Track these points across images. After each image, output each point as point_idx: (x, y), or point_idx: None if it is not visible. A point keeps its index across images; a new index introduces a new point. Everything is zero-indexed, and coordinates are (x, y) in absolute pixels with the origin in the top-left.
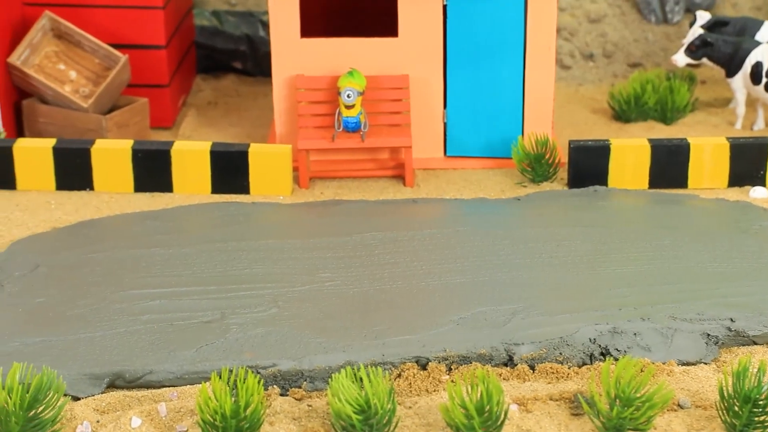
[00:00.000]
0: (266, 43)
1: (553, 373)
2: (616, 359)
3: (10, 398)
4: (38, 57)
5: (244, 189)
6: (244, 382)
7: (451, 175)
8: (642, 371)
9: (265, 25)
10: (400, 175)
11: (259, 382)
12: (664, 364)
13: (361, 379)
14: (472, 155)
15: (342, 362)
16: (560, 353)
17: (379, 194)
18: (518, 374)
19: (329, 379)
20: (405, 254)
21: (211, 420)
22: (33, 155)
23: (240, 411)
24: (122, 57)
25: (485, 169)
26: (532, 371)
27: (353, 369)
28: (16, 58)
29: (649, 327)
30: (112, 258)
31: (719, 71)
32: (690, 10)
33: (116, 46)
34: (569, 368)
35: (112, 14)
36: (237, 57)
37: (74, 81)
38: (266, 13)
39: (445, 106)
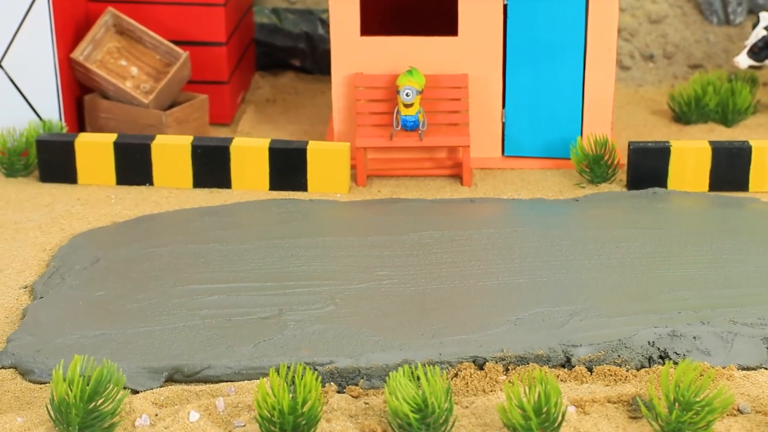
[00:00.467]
0: (325, 41)
1: (611, 375)
2: (675, 363)
3: (71, 390)
4: (101, 53)
5: (301, 186)
6: (302, 379)
7: (508, 175)
8: (702, 375)
9: (325, 23)
10: (457, 174)
11: (316, 379)
12: (723, 368)
13: (418, 377)
14: (530, 155)
15: (399, 360)
16: (618, 355)
17: (437, 193)
18: (576, 376)
19: (386, 377)
20: (462, 253)
21: (269, 416)
22: (94, 150)
23: (297, 407)
24: (183, 54)
25: (543, 170)
26: (589, 373)
27: (411, 368)
28: (79, 54)
29: (709, 331)
30: (171, 253)
31: None
32: (753, 12)
33: (177, 43)
34: (627, 371)
35: (173, 11)
36: (296, 54)
37: (135, 77)
38: (325, 11)
39: (503, 106)
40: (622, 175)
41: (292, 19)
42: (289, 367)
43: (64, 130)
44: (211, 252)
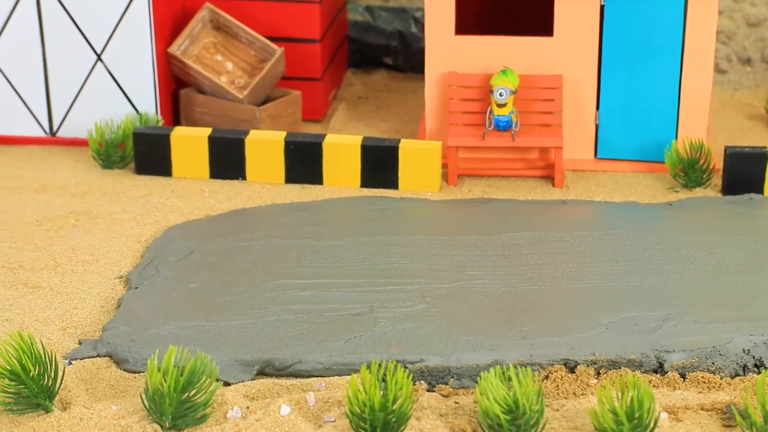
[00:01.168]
0: (418, 39)
1: (704, 382)
2: None
3: (165, 381)
4: (197, 48)
5: (392, 184)
6: (393, 376)
7: (600, 177)
8: None
9: (418, 22)
10: (549, 175)
11: (407, 376)
12: None
13: (509, 378)
14: (623, 158)
15: (489, 361)
16: (712, 363)
17: (528, 194)
18: (668, 382)
19: (476, 377)
20: (554, 255)
21: (359, 412)
22: (189, 144)
23: (388, 404)
24: (278, 50)
25: (636, 173)
26: (682, 379)
27: (502, 368)
28: (176, 49)
29: None
30: (263, 247)
31: None
32: None
33: (272, 39)
34: (721, 378)
35: (269, 7)
36: (388, 52)
37: (230, 72)
38: (419, 9)
39: (597, 107)
40: (717, 180)
41: (386, 17)
42: (380, 364)
43: (160, 124)
44: (303, 247)
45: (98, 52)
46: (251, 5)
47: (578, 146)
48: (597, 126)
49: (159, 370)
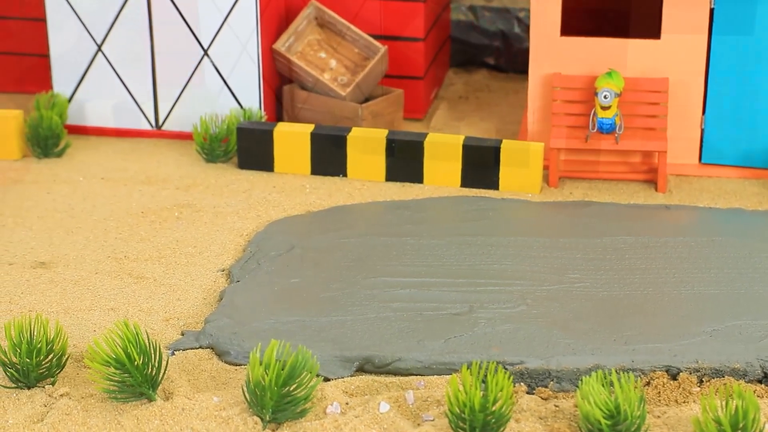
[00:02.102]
0: (521, 39)
1: None
2: None
3: (267, 374)
4: (302, 44)
5: (493, 184)
6: (494, 377)
7: (705, 183)
8: None
9: (521, 22)
10: (651, 179)
11: (508, 378)
12: None
13: (611, 383)
14: (728, 164)
15: (590, 365)
16: None
17: (630, 198)
18: None
19: (577, 381)
20: (656, 260)
21: (459, 412)
22: (292, 140)
23: (488, 405)
24: (381, 48)
25: (742, 179)
26: None
27: (604, 373)
28: (281, 45)
29: None
30: (364, 244)
31: None
32: None
33: (376, 37)
34: None
35: (374, 5)
36: (490, 52)
37: (334, 69)
38: (523, 9)
39: (704, 112)
40: None
41: (489, 17)
42: (480, 365)
43: (264, 119)
44: (403, 245)
45: (205, 47)
46: (356, 3)
47: (683, 151)
48: (702, 130)
49: (261, 364)
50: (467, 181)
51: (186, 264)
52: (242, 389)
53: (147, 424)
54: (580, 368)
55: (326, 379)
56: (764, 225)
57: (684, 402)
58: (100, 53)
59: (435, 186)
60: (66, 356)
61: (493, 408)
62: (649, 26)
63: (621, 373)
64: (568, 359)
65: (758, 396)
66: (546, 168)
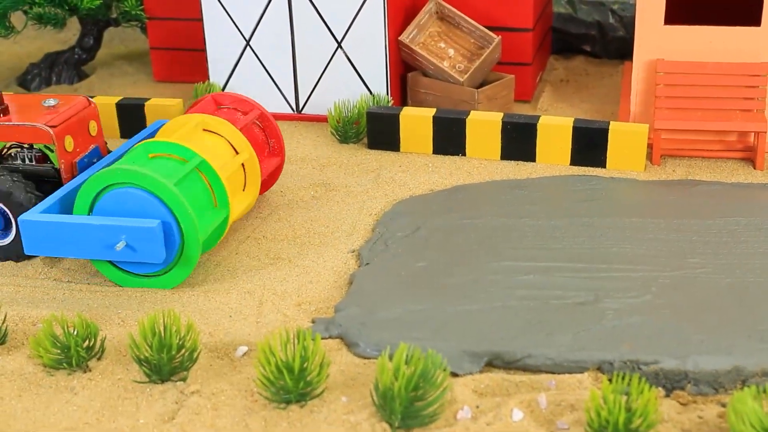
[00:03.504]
0: (615, 29)
1: None
2: None
3: (396, 380)
4: (423, 36)
5: (600, 163)
6: (640, 391)
7: None
8: None
9: (615, 13)
10: (748, 157)
11: (649, 389)
12: None
13: (764, 390)
14: None
15: (729, 367)
16: None
17: (730, 176)
18: None
19: (716, 384)
20: None
21: (599, 429)
22: (416, 122)
23: (633, 419)
24: (496, 38)
25: None
26: None
27: (758, 388)
28: (405, 37)
29: None
30: (485, 226)
31: None
32: None
33: (490, 28)
34: None
35: (488, 0)
36: (587, 41)
37: (452, 58)
38: (616, 2)
39: None
40: None
41: (586, 10)
42: (621, 376)
43: (390, 104)
44: (523, 227)
45: (339, 40)
46: None
47: None
48: None
49: (390, 360)
50: (576, 159)
51: (319, 244)
52: (371, 393)
53: (274, 427)
54: (719, 370)
55: (454, 375)
56: None
57: None
58: (248, 47)
59: (546, 164)
60: (198, 351)
61: (638, 423)
62: (750, 14)
63: (764, 379)
64: (704, 359)
65: None
66: (650, 146)
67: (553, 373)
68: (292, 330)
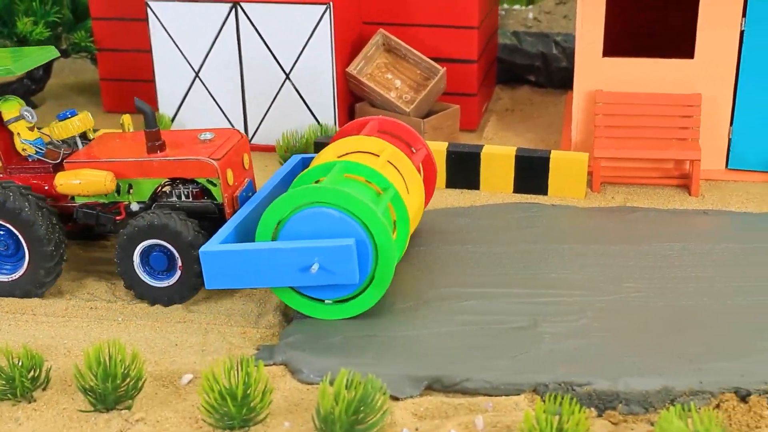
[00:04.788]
0: (558, 60)
1: None
2: None
3: (337, 404)
4: (371, 67)
5: (542, 190)
6: (571, 412)
7: (733, 187)
8: None
9: (558, 45)
10: (683, 184)
11: (580, 409)
12: None
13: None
14: (753, 169)
15: (659, 387)
16: None
17: (666, 202)
18: None
19: (646, 404)
20: (706, 268)
21: None
22: None
23: None
24: (441, 69)
25: (765, 183)
26: None
27: (683, 407)
28: (353, 68)
29: None
30: (429, 253)
31: None
32: None
33: (436, 60)
34: None
35: (434, 32)
36: (532, 71)
37: (399, 89)
38: (559, 34)
39: (731, 123)
40: None
41: (531, 41)
42: (553, 398)
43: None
44: (466, 254)
45: (287, 71)
46: (418, 30)
47: (711, 158)
48: (730, 140)
49: (331, 385)
50: (519, 187)
51: None
52: (313, 418)
53: None
54: (649, 391)
55: (395, 398)
56: None
57: (757, 427)
58: (197, 79)
59: (490, 192)
60: (143, 379)
61: None
62: (683, 46)
63: (692, 398)
64: (635, 380)
65: None
66: (590, 174)
67: (491, 395)
68: (237, 357)
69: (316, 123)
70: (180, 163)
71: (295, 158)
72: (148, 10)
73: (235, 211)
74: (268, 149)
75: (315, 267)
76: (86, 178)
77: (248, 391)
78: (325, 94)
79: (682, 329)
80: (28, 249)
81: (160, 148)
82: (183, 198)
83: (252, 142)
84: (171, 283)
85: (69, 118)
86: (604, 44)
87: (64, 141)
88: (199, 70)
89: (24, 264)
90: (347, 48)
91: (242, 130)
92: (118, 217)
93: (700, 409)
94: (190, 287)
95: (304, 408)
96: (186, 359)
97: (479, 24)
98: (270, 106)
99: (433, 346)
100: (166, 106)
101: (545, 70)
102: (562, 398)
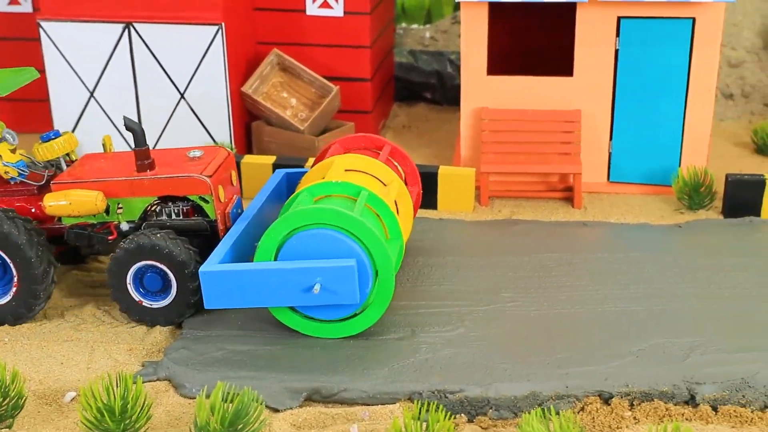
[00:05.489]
0: (453, 77)
1: (736, 416)
2: None
3: (213, 416)
4: (266, 86)
5: (432, 205)
6: (437, 420)
7: (614, 199)
8: None
9: (453, 63)
10: (568, 197)
11: (447, 416)
12: None
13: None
14: (632, 182)
15: (527, 392)
16: (743, 396)
17: (551, 214)
18: (701, 415)
19: (515, 409)
20: (580, 277)
21: None
22: (256, 169)
23: None
24: (334, 88)
25: (644, 195)
26: (714, 413)
27: (543, 410)
28: (248, 87)
29: None
30: None
31: None
32: None
33: (330, 78)
34: (752, 412)
35: (327, 52)
36: (428, 88)
37: (294, 107)
38: (454, 52)
39: (611, 138)
40: (717, 202)
41: (426, 59)
42: (420, 402)
43: (234, 151)
44: None
45: (181, 91)
46: (312, 50)
47: (593, 171)
48: (610, 154)
49: (207, 397)
50: None
51: None
52: (190, 430)
53: None
54: (517, 396)
55: (275, 410)
56: (670, 240)
57: (618, 428)
58: (92, 99)
59: None
60: (24, 398)
61: None
62: (563, 65)
63: (562, 412)
64: (505, 386)
65: (686, 419)
66: (477, 189)
67: (368, 404)
68: (116, 374)
69: (213, 142)
70: (172, 181)
71: (279, 173)
72: (40, 30)
73: (227, 228)
74: None
75: (317, 287)
76: (76, 198)
77: (127, 407)
78: (221, 113)
79: (552, 336)
80: (16, 272)
81: (150, 166)
82: (173, 216)
83: None
84: (167, 303)
85: (53, 139)
86: (494, 64)
87: (48, 162)
88: (93, 90)
89: (12, 288)
90: (241, 67)
91: None
92: (110, 237)
93: (559, 413)
94: (187, 305)
95: (185, 422)
96: (71, 377)
97: (371, 43)
98: (165, 126)
99: (313, 358)
100: (61, 126)
101: (441, 88)
102: (432, 405)
